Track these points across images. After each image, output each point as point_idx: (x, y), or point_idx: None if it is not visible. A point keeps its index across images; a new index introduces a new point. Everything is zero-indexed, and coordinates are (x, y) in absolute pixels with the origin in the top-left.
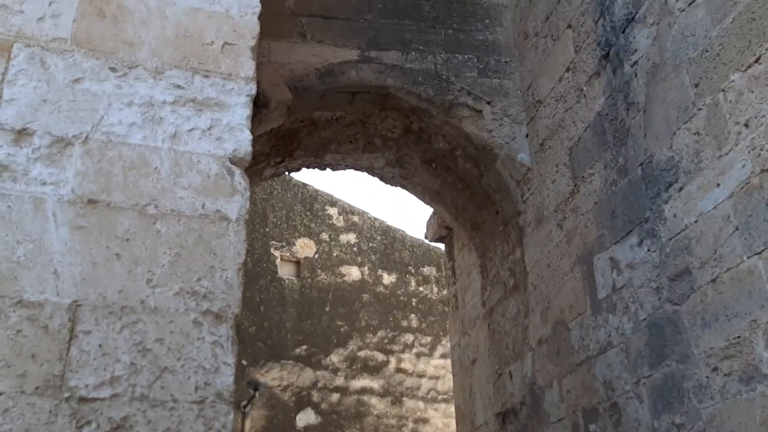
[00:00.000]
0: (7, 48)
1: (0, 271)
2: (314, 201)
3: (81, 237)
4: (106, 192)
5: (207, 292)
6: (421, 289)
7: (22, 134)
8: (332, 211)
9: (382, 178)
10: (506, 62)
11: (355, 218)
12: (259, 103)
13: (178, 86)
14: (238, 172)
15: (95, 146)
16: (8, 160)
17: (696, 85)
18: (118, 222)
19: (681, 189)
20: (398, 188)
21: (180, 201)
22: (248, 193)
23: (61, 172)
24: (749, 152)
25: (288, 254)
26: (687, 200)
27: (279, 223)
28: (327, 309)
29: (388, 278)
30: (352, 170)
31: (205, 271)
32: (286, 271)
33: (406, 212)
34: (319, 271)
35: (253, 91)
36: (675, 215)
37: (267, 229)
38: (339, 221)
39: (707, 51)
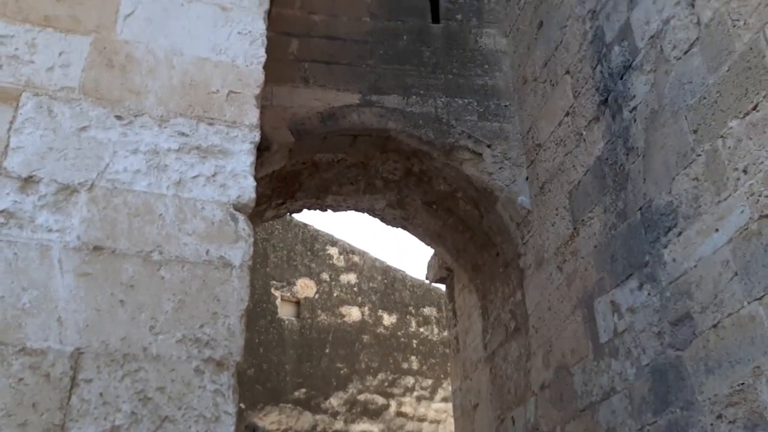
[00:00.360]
0: (15, 97)
1: (5, 318)
2: (315, 241)
3: (86, 284)
4: (111, 239)
5: (209, 339)
6: (421, 330)
7: (28, 182)
8: (333, 251)
9: (383, 220)
10: (506, 106)
11: (356, 258)
12: (261, 146)
13: (183, 134)
14: (241, 218)
15: (100, 193)
16: (15, 207)
17: (695, 132)
18: (122, 268)
19: (680, 234)
20: (399, 229)
21: (184, 247)
22: (252, 239)
23: (67, 219)
24: (748, 198)
25: (288, 294)
26: (686, 245)
27: (279, 263)
28: (327, 351)
29: (388, 319)
30: (353, 211)
31: (208, 318)
32: (286, 312)
33: (407, 252)
34: (319, 311)
35: (257, 139)
36: (674, 260)
37: (267, 269)
38: (339, 261)
39: (705, 98)
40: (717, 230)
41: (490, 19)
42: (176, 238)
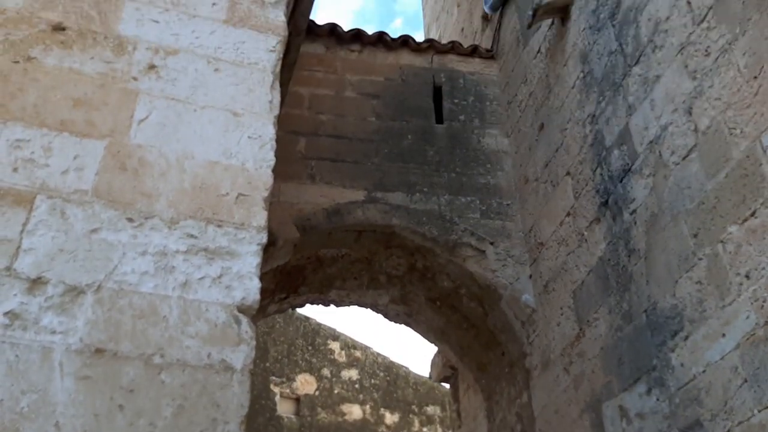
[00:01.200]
0: (29, 200)
1: (3, 423)
2: (316, 335)
3: (86, 387)
4: (114, 341)
5: None
6: (425, 429)
7: (36, 283)
8: (334, 345)
9: (386, 315)
10: (508, 205)
11: (358, 353)
12: (267, 242)
13: (192, 236)
14: (245, 320)
15: (107, 295)
16: (20, 308)
17: (695, 236)
18: (123, 372)
19: (687, 338)
20: (402, 325)
21: (186, 350)
22: (254, 342)
23: (71, 320)
24: (752, 303)
25: (288, 390)
26: (694, 350)
27: (280, 357)
28: None
29: (390, 417)
30: (356, 306)
31: (207, 424)
32: (285, 409)
33: (411, 347)
34: (319, 408)
35: (264, 240)
36: (682, 364)
37: (267, 364)
38: (341, 356)
39: (703, 203)
40: (724, 335)
41: (492, 121)
42: (179, 341)
